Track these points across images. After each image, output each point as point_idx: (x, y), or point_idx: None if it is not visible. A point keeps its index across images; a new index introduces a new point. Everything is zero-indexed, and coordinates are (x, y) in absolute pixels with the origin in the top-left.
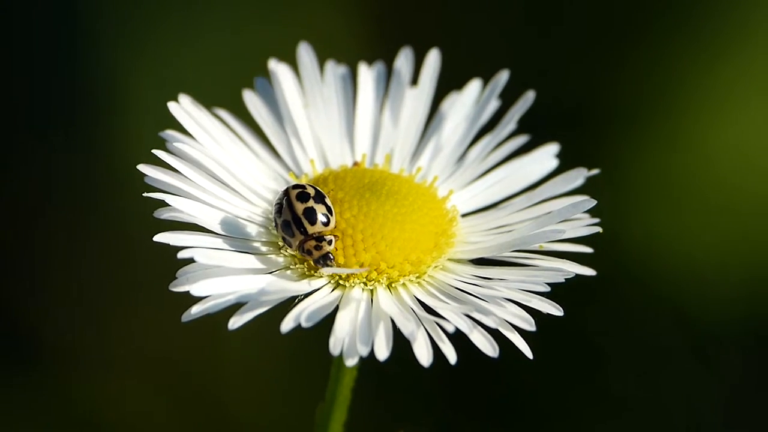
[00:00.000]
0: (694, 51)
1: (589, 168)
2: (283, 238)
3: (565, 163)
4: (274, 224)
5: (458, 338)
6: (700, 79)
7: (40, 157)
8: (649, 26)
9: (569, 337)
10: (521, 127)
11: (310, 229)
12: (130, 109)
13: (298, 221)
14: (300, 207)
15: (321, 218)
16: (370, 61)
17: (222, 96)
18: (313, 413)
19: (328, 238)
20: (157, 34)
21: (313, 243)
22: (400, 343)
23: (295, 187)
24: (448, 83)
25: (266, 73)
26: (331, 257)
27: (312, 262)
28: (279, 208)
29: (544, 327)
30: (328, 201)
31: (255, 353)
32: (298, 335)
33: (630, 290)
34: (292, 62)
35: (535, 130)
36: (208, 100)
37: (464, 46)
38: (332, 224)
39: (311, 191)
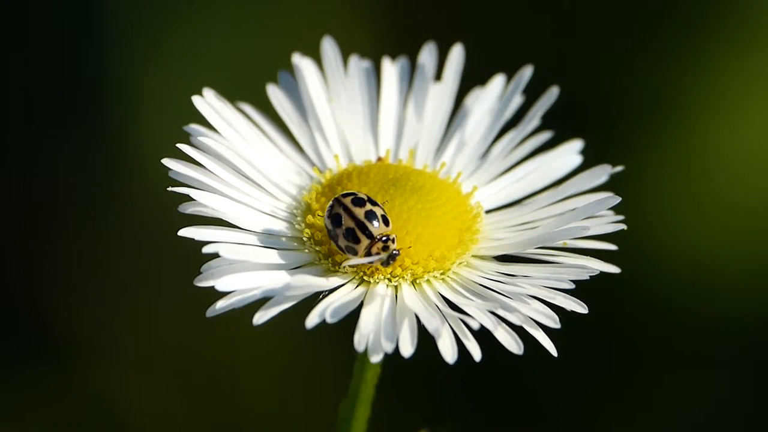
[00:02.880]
0: (711, 49)
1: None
2: (346, 248)
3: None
4: (330, 236)
5: (478, 337)
6: (718, 77)
7: (54, 154)
8: (666, 24)
9: (587, 336)
10: (541, 124)
11: (376, 232)
12: (145, 107)
13: (362, 226)
14: (360, 212)
15: (382, 219)
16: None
17: (237, 94)
18: (331, 408)
19: (392, 236)
20: (172, 31)
21: (380, 245)
22: (422, 340)
23: (345, 195)
24: (469, 80)
25: (282, 72)
26: (398, 255)
27: (382, 264)
28: (337, 219)
29: (563, 326)
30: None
31: (272, 349)
32: (314, 332)
33: (647, 288)
34: (315, 58)
35: (552, 128)
36: (225, 97)
37: (482, 44)
38: (391, 224)
39: (363, 195)
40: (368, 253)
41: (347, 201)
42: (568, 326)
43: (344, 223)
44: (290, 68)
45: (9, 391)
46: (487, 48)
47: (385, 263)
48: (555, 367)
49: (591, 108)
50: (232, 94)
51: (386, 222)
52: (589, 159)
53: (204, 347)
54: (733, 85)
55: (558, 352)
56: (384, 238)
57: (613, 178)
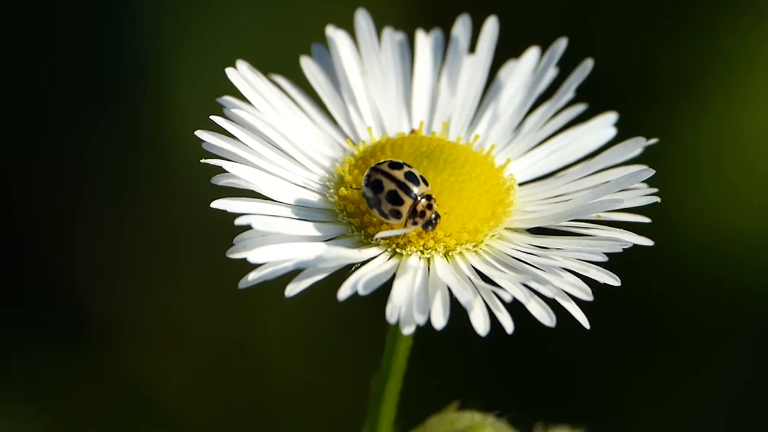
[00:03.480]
0: (748, 20)
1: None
2: (390, 212)
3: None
4: (371, 205)
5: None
6: (752, 53)
7: (85, 130)
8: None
9: (615, 309)
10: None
11: (418, 190)
12: (177, 80)
13: (404, 186)
14: (399, 173)
15: (421, 180)
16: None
17: (270, 67)
18: (357, 383)
19: (433, 196)
20: (204, 5)
21: (424, 203)
22: (453, 312)
23: (380, 163)
24: (500, 53)
25: (316, 44)
26: (439, 218)
27: (421, 227)
28: (377, 185)
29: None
30: None
31: (298, 327)
32: (339, 310)
33: (677, 262)
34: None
35: (585, 101)
36: (258, 70)
37: (512, 18)
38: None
39: (398, 161)
40: (413, 213)
41: (384, 167)
42: (597, 299)
43: (386, 187)
44: (324, 41)
45: (38, 370)
46: (517, 22)
47: (427, 225)
48: (584, 339)
49: (623, 83)
50: (264, 67)
51: (425, 182)
52: (622, 133)
53: (231, 326)
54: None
55: (589, 324)
56: (426, 197)
57: (645, 152)
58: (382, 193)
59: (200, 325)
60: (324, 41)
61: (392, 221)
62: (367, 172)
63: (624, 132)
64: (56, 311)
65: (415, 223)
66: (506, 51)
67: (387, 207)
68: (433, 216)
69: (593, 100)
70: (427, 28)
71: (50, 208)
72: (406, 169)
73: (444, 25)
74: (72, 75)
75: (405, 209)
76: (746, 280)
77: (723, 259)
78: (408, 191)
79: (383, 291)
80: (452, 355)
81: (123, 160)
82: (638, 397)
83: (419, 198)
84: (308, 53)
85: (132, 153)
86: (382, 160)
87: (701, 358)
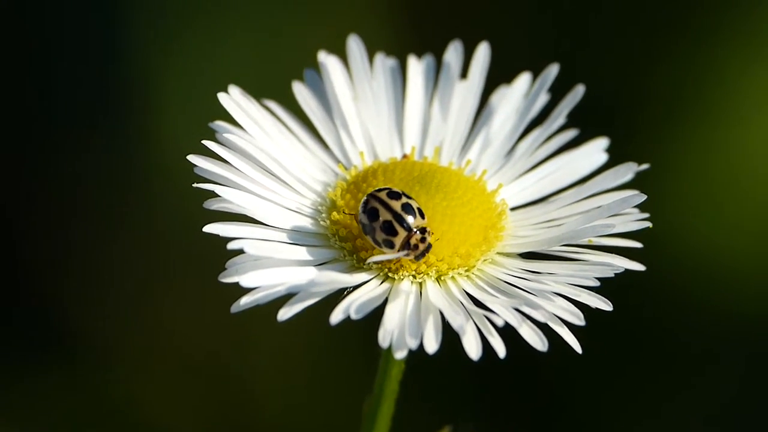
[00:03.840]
0: (734, 47)
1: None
2: (384, 242)
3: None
4: (366, 232)
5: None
6: (740, 76)
7: (74, 153)
8: (688, 22)
9: (606, 332)
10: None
11: (413, 223)
12: (165, 106)
13: (399, 218)
14: (396, 204)
15: (418, 212)
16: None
17: (261, 92)
18: (351, 404)
19: (428, 229)
20: (192, 30)
21: (418, 236)
22: (444, 336)
23: (379, 190)
24: (496, 77)
25: (308, 69)
26: (431, 247)
27: (413, 258)
28: (374, 213)
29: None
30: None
31: (290, 346)
32: (331, 331)
33: (667, 286)
34: (340, 56)
35: (573, 126)
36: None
37: (502, 44)
38: (426, 217)
39: (397, 189)
40: (406, 245)
41: (383, 195)
42: (588, 323)
43: (381, 216)
44: (316, 67)
45: (28, 390)
46: (509, 48)
47: (420, 256)
48: (575, 363)
49: (610, 109)
50: (256, 92)
51: (422, 215)
52: (611, 159)
53: (223, 347)
54: (755, 86)
55: (581, 349)
56: (421, 230)
57: (636, 177)
58: (377, 222)
59: (193, 344)
60: (316, 66)
61: (385, 250)
62: (364, 198)
63: (614, 156)
64: (46, 331)
65: (407, 254)
66: (498, 76)
67: (381, 236)
68: (425, 249)
69: (581, 121)
70: (419, 54)
71: (41, 229)
72: (404, 200)
73: (435, 50)
74: (60, 97)
75: (398, 240)
76: (734, 303)
77: (711, 283)
78: (403, 223)
79: (375, 315)
80: (444, 379)
81: (114, 179)
82: (628, 419)
83: (414, 231)
84: (300, 78)
85: (124, 173)
86: (381, 187)
87: (689, 381)
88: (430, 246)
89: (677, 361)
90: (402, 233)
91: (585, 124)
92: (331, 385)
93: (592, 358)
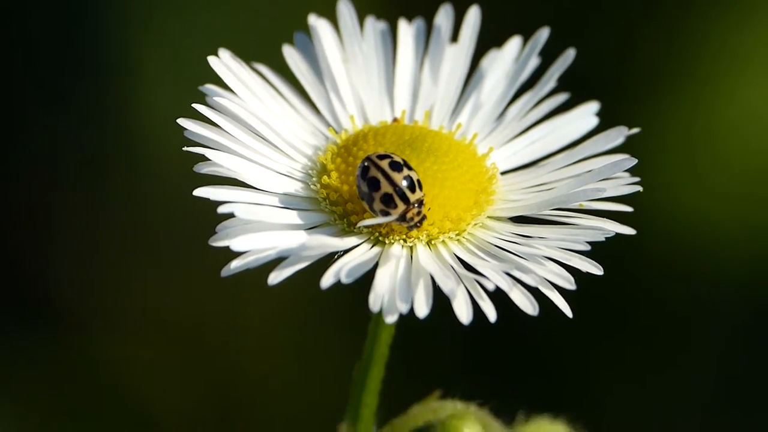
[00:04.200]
0: (717, 14)
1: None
2: (380, 211)
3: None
4: (363, 198)
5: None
6: (723, 43)
7: (53, 124)
8: None
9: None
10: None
11: (413, 198)
12: (145, 72)
13: (401, 193)
14: (398, 177)
15: (417, 185)
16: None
17: (251, 55)
18: (342, 370)
19: (424, 200)
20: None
21: (415, 210)
22: (438, 301)
23: (381, 157)
24: (487, 41)
25: (299, 33)
26: (425, 219)
27: (406, 228)
28: (374, 183)
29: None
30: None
31: (277, 314)
32: (320, 295)
33: (652, 254)
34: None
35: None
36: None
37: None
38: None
39: (398, 159)
40: (401, 216)
41: (384, 165)
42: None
43: (382, 188)
44: (306, 30)
45: (10, 361)
46: (500, 12)
47: (412, 227)
48: (564, 328)
49: (594, 75)
50: (246, 56)
51: (420, 187)
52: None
53: (209, 312)
54: (741, 49)
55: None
56: (419, 203)
57: (623, 142)
58: (377, 193)
59: (177, 313)
60: (307, 30)
61: (379, 217)
62: (364, 163)
63: (601, 122)
64: (29, 302)
65: (399, 223)
66: (489, 40)
67: (378, 206)
68: (419, 221)
69: (571, 89)
70: (409, 17)
71: (22, 202)
72: (405, 172)
73: (426, 14)
74: (40, 68)
75: (396, 213)
76: (719, 271)
77: (696, 247)
78: (404, 198)
79: (366, 279)
80: (435, 344)
81: (94, 148)
82: (614, 382)
83: (412, 205)
84: (291, 42)
85: (104, 142)
86: (382, 154)
87: (676, 348)
88: (424, 218)
89: (662, 329)
90: (401, 207)
91: (573, 89)
92: (320, 351)
93: (579, 320)
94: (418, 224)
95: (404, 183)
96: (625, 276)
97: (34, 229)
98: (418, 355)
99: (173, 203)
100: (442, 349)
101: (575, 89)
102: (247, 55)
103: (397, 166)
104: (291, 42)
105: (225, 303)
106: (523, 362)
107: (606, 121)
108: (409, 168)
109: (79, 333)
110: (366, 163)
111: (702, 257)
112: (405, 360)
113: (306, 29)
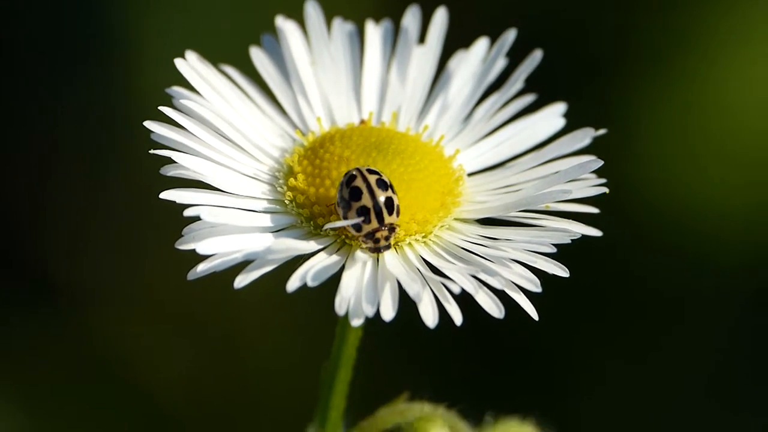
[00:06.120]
0: (707, 5)
1: (597, 127)
2: (353, 224)
3: (583, 109)
4: (340, 204)
5: (463, 297)
6: (718, 24)
7: (52, 108)
8: None
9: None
10: (539, 77)
11: (387, 220)
12: (140, 61)
13: (378, 211)
14: (382, 195)
15: (396, 209)
16: (374, 21)
17: (228, 53)
18: (311, 371)
19: (396, 227)
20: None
21: (385, 233)
22: (404, 301)
23: (371, 171)
24: (455, 42)
25: (272, 31)
26: (389, 248)
27: (369, 248)
28: (356, 194)
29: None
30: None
31: (270, 309)
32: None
33: (648, 237)
34: (298, 21)
35: (552, 80)
36: (214, 56)
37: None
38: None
39: (386, 179)
40: (370, 234)
41: (372, 179)
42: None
43: (362, 201)
44: (274, 32)
45: (12, 337)
46: (465, 13)
47: (375, 250)
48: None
49: (591, 58)
50: (214, 58)
51: (398, 213)
52: (593, 109)
53: (202, 304)
54: (736, 30)
55: (549, 298)
56: (390, 228)
57: (609, 126)
58: (356, 203)
59: (173, 294)
60: (274, 32)
61: (350, 229)
62: (352, 171)
63: (590, 106)
64: (30, 280)
65: (364, 241)
66: (456, 42)
67: (353, 215)
68: (385, 246)
69: (557, 76)
70: (377, 18)
71: (22, 181)
72: (389, 193)
73: (393, 15)
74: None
75: (368, 228)
76: (708, 250)
77: (692, 229)
78: (380, 217)
79: (334, 281)
80: (402, 346)
81: (93, 123)
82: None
83: (384, 226)
84: (258, 44)
85: (100, 121)
86: (373, 169)
87: (662, 329)
88: (389, 247)
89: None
90: (374, 224)
91: (560, 78)
92: (292, 351)
93: (559, 308)
94: (382, 249)
95: (384, 202)
96: (620, 263)
97: (34, 206)
98: (385, 357)
99: (171, 183)
100: (410, 350)
101: (567, 75)
102: (215, 56)
103: (383, 185)
104: (259, 44)
105: (223, 279)
106: (493, 366)
107: (597, 104)
108: (394, 192)
109: (78, 309)
110: (354, 172)
111: (700, 239)
112: (373, 362)
113: (274, 31)
